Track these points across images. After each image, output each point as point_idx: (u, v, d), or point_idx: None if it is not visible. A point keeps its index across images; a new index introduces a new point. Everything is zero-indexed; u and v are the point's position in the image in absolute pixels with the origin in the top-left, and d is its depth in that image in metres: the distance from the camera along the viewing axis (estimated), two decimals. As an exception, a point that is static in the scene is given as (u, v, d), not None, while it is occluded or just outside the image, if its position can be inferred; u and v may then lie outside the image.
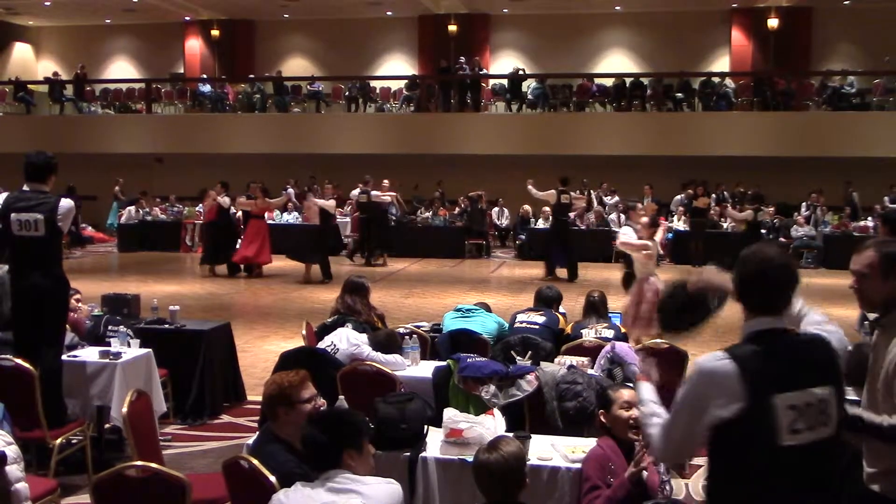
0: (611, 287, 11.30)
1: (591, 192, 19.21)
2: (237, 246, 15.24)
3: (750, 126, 19.66)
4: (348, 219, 17.95)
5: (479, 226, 18.77)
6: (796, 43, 21.94)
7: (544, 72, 22.41)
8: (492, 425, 4.15)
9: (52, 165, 5.43)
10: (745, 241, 15.33)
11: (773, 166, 19.32)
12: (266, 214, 15.91)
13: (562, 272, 14.78)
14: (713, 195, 18.57)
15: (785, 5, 21.78)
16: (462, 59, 21.54)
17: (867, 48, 21.24)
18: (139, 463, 3.53)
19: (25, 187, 5.36)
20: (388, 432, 4.09)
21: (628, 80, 21.30)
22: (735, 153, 19.16)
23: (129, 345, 6.02)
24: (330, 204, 14.86)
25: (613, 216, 18.68)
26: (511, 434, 3.89)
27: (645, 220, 8.32)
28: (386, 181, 17.03)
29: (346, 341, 5.59)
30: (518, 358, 5.37)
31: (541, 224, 18.55)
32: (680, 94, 21.03)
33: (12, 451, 3.69)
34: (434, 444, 4.14)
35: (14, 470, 3.65)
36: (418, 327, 6.59)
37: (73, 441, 5.41)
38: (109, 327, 6.38)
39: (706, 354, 2.48)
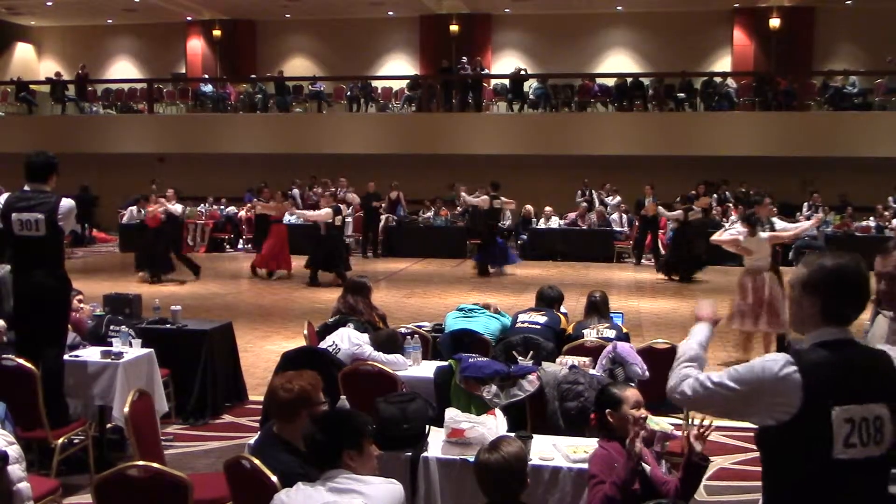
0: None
1: (593, 192, 19.24)
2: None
3: (752, 126, 19.64)
4: (349, 219, 17.92)
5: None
6: (798, 43, 21.91)
7: (546, 72, 22.41)
8: (493, 425, 4.15)
9: (52, 165, 5.44)
10: (676, 240, 15.33)
11: (773, 166, 19.31)
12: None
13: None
14: (714, 195, 18.54)
15: (787, 5, 21.76)
16: (464, 59, 21.56)
17: (869, 48, 21.19)
18: (141, 463, 3.53)
19: (26, 187, 5.38)
20: (389, 432, 4.09)
21: (630, 80, 21.28)
22: (737, 153, 19.15)
23: (130, 345, 6.03)
24: (321, 215, 14.11)
25: (615, 216, 18.66)
26: (512, 434, 3.88)
27: (774, 210, 8.77)
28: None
29: (348, 341, 5.60)
30: (520, 358, 5.37)
31: (542, 224, 18.55)
32: (682, 94, 21.03)
33: (14, 450, 3.69)
34: (436, 444, 4.14)
35: (16, 470, 3.65)
36: (420, 327, 6.59)
37: (75, 441, 5.42)
38: (111, 327, 6.38)
39: (774, 355, 2.43)
